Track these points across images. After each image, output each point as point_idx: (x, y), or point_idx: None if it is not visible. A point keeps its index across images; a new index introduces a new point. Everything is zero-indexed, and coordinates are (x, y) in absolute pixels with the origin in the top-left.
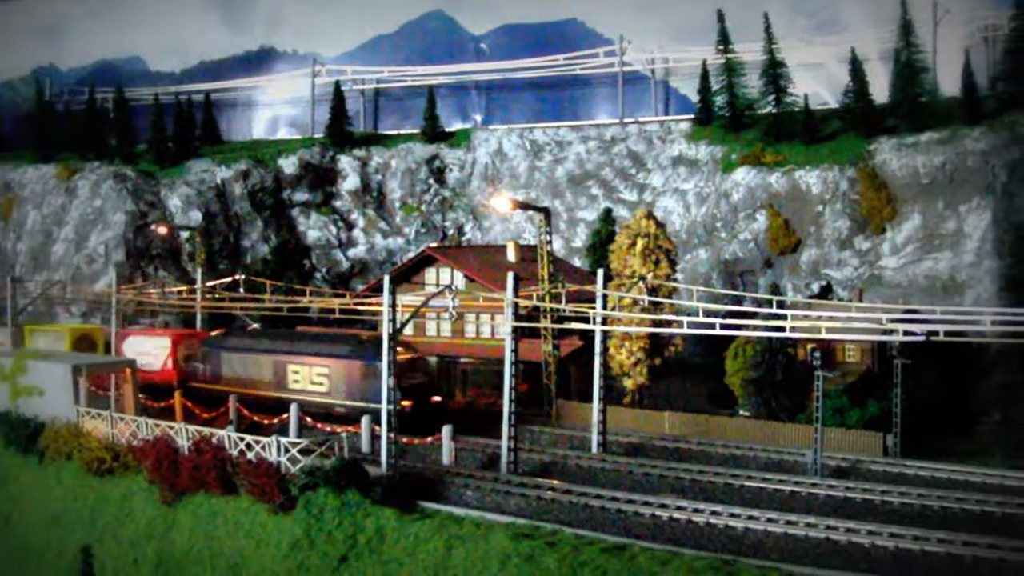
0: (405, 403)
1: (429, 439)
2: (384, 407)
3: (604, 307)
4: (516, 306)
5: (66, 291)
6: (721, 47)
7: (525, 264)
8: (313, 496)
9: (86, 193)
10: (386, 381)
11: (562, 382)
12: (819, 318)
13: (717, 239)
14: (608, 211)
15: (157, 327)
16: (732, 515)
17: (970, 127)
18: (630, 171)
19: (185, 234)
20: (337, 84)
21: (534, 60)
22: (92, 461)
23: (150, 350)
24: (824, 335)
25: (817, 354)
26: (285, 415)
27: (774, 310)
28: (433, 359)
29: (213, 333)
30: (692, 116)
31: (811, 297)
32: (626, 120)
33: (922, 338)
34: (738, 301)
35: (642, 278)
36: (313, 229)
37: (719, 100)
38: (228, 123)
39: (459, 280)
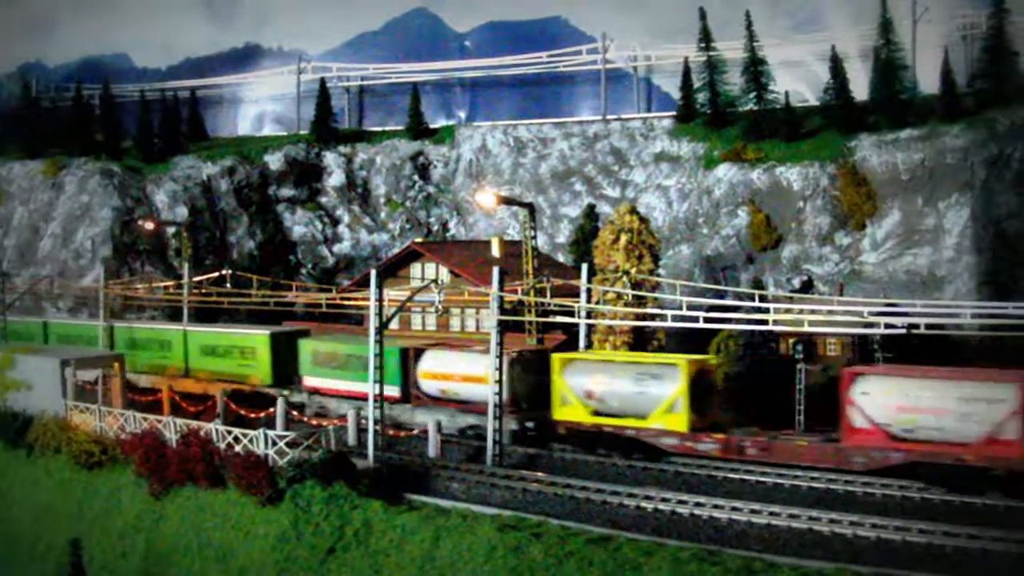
0: None
1: (415, 431)
2: (371, 399)
3: (588, 301)
4: (501, 300)
5: (53, 286)
6: (703, 45)
7: (509, 259)
8: (300, 488)
9: (73, 189)
10: (373, 375)
11: None
12: (801, 312)
13: (699, 235)
14: (591, 207)
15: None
16: (716, 506)
17: (949, 124)
18: (613, 167)
19: (171, 230)
20: (322, 81)
21: (518, 57)
22: (81, 454)
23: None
24: (806, 328)
25: (799, 347)
26: (272, 408)
27: (756, 304)
28: None
29: None
30: (674, 113)
31: (792, 292)
32: (609, 117)
33: (903, 331)
34: (721, 296)
35: (626, 272)
36: (299, 225)
37: (701, 97)
38: (214, 120)
39: (444, 275)
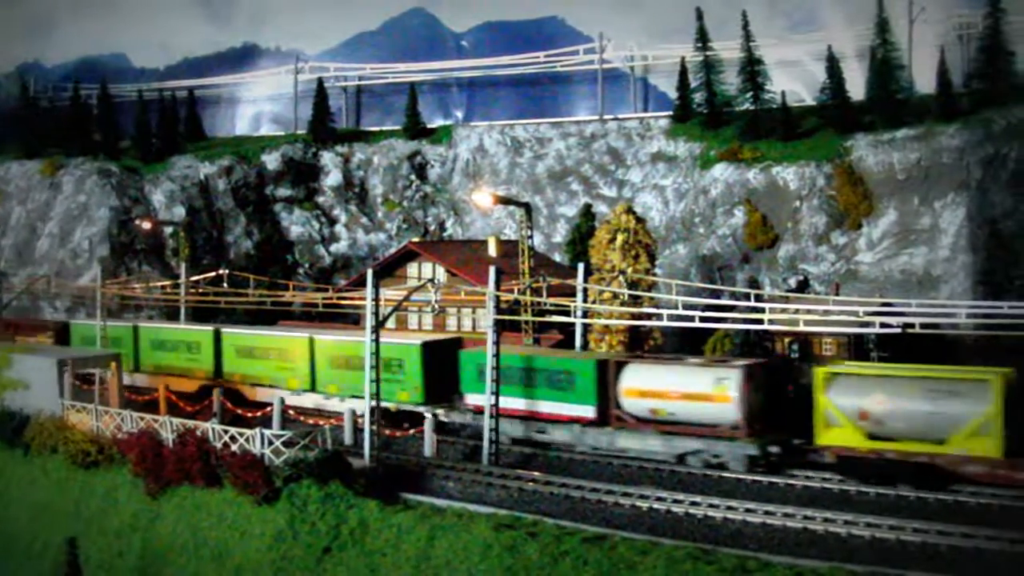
0: None
1: (411, 431)
2: (367, 400)
3: (584, 300)
4: (498, 300)
5: (51, 286)
6: (700, 45)
7: (506, 259)
8: (297, 488)
9: (70, 189)
10: (369, 375)
11: None
12: (797, 311)
13: (695, 234)
14: (588, 207)
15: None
16: (711, 506)
17: (945, 124)
18: (609, 167)
19: (169, 229)
20: (320, 81)
21: (515, 57)
22: (77, 454)
23: None
24: (802, 327)
25: (795, 347)
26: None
27: (752, 303)
28: None
29: None
30: (671, 113)
31: (788, 291)
32: (606, 117)
33: (898, 330)
34: (717, 295)
35: (622, 272)
36: (296, 225)
37: (698, 97)
38: (211, 119)
39: (441, 274)
